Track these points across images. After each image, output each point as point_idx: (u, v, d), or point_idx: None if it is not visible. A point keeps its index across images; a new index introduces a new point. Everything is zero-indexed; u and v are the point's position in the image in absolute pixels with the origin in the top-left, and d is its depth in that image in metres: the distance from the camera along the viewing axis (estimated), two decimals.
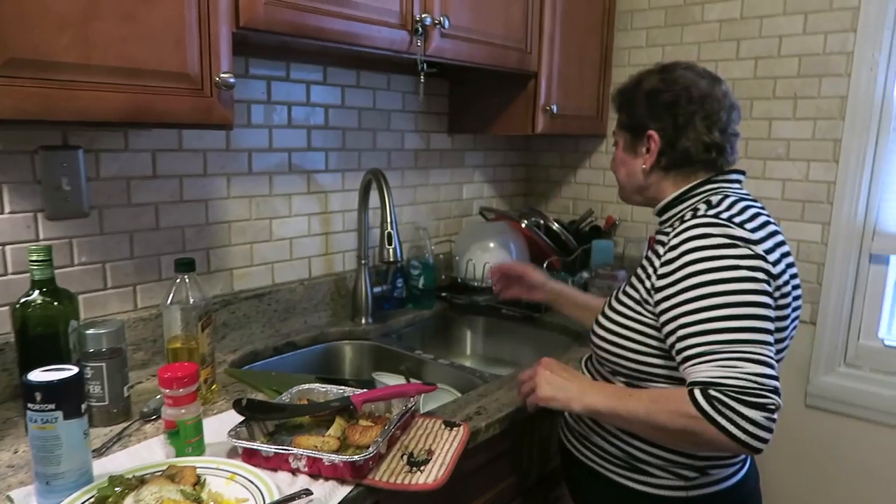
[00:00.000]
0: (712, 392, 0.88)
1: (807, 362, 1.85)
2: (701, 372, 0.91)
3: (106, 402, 1.11)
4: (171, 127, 1.31)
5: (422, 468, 0.98)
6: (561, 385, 1.09)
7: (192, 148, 1.43)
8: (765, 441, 0.88)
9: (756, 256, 0.95)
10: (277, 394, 1.21)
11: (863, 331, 1.80)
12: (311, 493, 0.90)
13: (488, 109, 1.92)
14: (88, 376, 1.08)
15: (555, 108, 1.83)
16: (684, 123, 1.06)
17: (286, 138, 1.61)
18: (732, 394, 0.88)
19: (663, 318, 0.98)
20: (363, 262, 1.72)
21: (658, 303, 1.00)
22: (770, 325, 0.93)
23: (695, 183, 1.09)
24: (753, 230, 0.98)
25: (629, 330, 1.06)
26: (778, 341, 1.00)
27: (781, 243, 1.05)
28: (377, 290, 1.77)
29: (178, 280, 1.19)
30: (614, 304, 1.11)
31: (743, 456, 1.11)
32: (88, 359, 1.08)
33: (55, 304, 1.08)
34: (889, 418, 1.74)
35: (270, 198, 1.60)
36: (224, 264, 1.53)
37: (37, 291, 1.07)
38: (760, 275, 0.94)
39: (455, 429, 1.11)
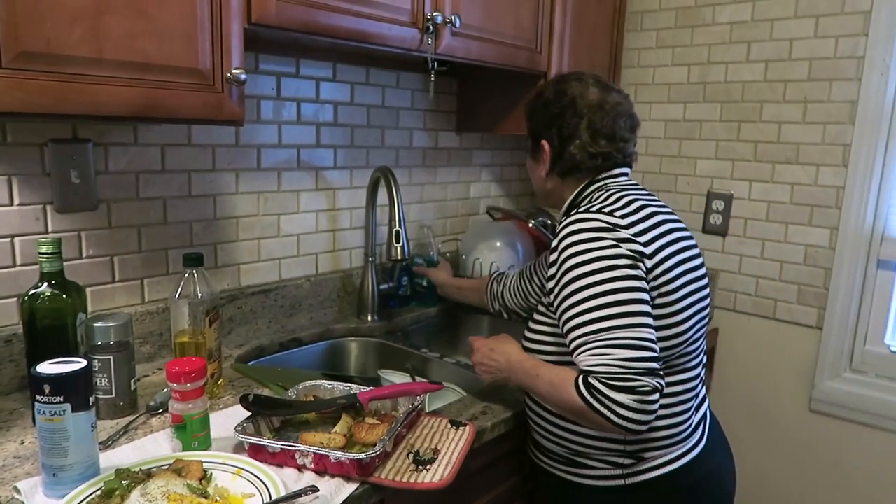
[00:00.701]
0: (589, 380, 0.96)
1: (812, 367, 1.84)
2: (580, 362, 0.99)
3: (113, 395, 1.11)
4: (182, 122, 1.31)
5: (428, 467, 0.98)
6: (490, 370, 1.20)
7: (201, 143, 1.43)
8: (640, 422, 0.94)
9: (619, 242, 1.01)
10: (283, 390, 1.22)
11: (869, 336, 1.80)
12: (318, 490, 0.90)
13: (497, 108, 1.91)
14: (96, 369, 1.08)
15: None
16: (569, 134, 1.14)
17: (295, 135, 1.61)
18: (604, 380, 0.95)
19: (557, 315, 1.05)
20: (370, 259, 1.72)
21: (552, 304, 1.06)
22: (641, 307, 0.99)
23: (583, 185, 1.17)
24: (624, 216, 1.05)
25: (547, 336, 1.12)
26: (666, 316, 1.04)
27: (662, 223, 1.09)
28: (383, 287, 1.77)
29: (186, 274, 1.20)
30: (536, 315, 1.17)
31: (688, 439, 1.12)
32: (96, 352, 1.09)
33: (63, 296, 1.08)
34: (894, 424, 1.73)
35: (278, 194, 1.60)
36: (231, 259, 1.53)
37: (45, 284, 1.07)
38: (623, 260, 1.00)
39: (461, 428, 1.11)
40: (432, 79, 1.50)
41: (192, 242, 1.45)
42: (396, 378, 1.40)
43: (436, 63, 1.46)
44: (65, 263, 1.10)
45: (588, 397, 0.95)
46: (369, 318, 1.72)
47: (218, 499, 0.86)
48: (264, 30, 1.17)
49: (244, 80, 1.10)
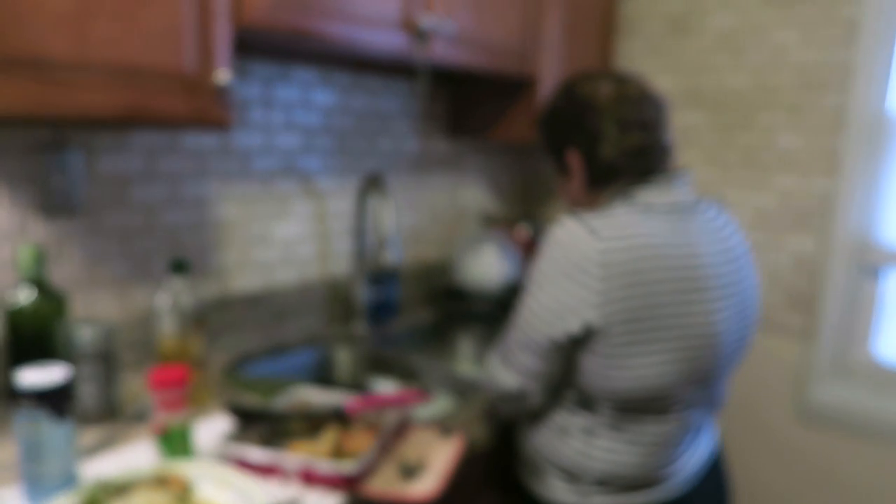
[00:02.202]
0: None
1: (802, 375, 1.84)
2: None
3: (95, 404, 1.09)
4: (168, 127, 1.29)
5: (416, 478, 0.96)
6: None
7: (188, 148, 1.42)
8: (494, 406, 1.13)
9: (576, 270, 0.94)
10: (270, 398, 1.20)
11: (857, 344, 1.80)
12: (301, 503, 0.88)
13: (488, 115, 1.91)
14: (78, 377, 1.06)
15: None
16: (596, 135, 1.04)
17: (284, 140, 1.60)
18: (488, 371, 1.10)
19: None
20: (360, 266, 1.71)
21: None
22: (540, 342, 0.99)
23: (618, 191, 1.05)
24: (609, 238, 0.94)
25: None
26: (619, 358, 0.96)
27: (658, 269, 0.95)
28: (373, 294, 1.76)
29: (171, 281, 1.18)
30: None
31: (661, 483, 1.07)
32: (79, 359, 1.07)
33: (46, 303, 1.07)
34: (882, 432, 1.73)
35: (267, 200, 1.59)
36: (218, 266, 1.52)
37: (28, 290, 1.06)
38: (564, 293, 0.96)
39: (450, 438, 1.10)
40: (421, 85, 1.49)
41: (178, 248, 1.43)
42: (386, 387, 1.39)
43: (426, 69, 1.46)
44: (49, 270, 1.09)
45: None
46: (359, 325, 1.71)
47: None
48: (253, 35, 1.17)
49: (230, 85, 1.09)
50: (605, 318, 0.94)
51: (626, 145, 1.03)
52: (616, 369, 0.97)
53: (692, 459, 1.12)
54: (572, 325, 0.96)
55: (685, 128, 2.00)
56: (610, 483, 1.05)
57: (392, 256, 1.48)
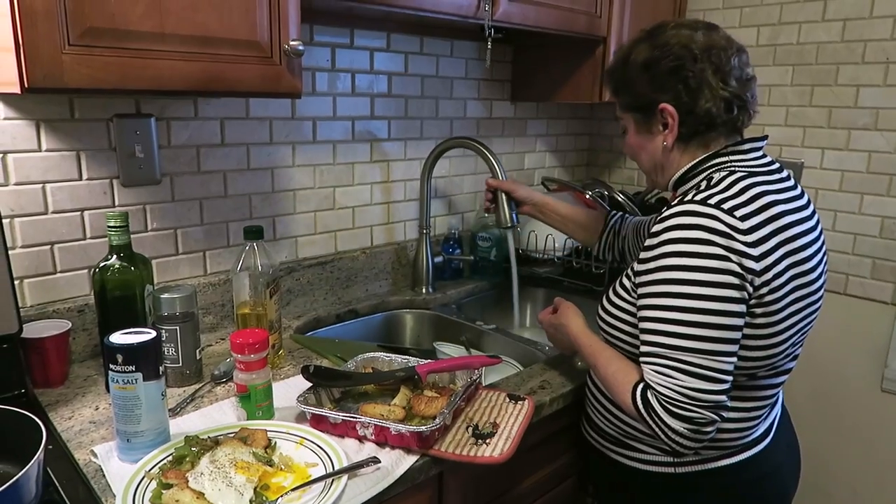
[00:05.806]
0: (648, 394, 0.92)
1: (885, 345, 1.76)
2: (646, 371, 0.93)
3: (179, 364, 1.14)
4: (241, 95, 1.31)
5: (487, 441, 0.98)
6: (560, 344, 1.24)
7: (258, 116, 1.44)
8: (688, 448, 0.92)
9: (731, 253, 0.89)
10: (341, 360, 1.23)
11: None
12: (379, 461, 0.91)
13: (553, 76, 1.86)
14: (163, 339, 1.11)
15: None
16: (697, 85, 0.96)
17: (350, 106, 1.60)
18: (663, 402, 0.90)
19: (639, 304, 0.97)
20: (424, 231, 1.72)
21: (637, 287, 0.98)
22: (729, 334, 0.90)
23: (705, 156, 1.00)
24: (745, 217, 0.91)
25: (625, 314, 1.03)
26: (764, 336, 0.95)
27: (787, 226, 0.95)
28: (437, 259, 1.76)
29: (246, 247, 1.21)
30: (618, 288, 1.06)
31: (748, 437, 1.05)
32: (163, 322, 1.12)
33: (132, 268, 1.12)
34: None
35: (334, 166, 1.61)
36: (289, 231, 1.55)
37: (114, 256, 1.11)
38: (728, 278, 0.89)
39: (519, 402, 1.10)
40: (489, 46, 1.46)
41: (251, 215, 1.47)
42: (451, 350, 1.40)
43: (492, 30, 1.43)
44: (132, 236, 1.14)
45: (642, 410, 0.92)
46: (424, 290, 1.72)
47: (283, 467, 0.88)
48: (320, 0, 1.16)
49: (302, 52, 1.09)
50: (764, 284, 0.91)
51: (725, 94, 0.97)
52: (762, 338, 0.95)
53: (777, 414, 1.12)
54: (742, 307, 0.91)
55: (763, 86, 1.90)
56: (700, 447, 1.02)
57: (508, 215, 1.47)
